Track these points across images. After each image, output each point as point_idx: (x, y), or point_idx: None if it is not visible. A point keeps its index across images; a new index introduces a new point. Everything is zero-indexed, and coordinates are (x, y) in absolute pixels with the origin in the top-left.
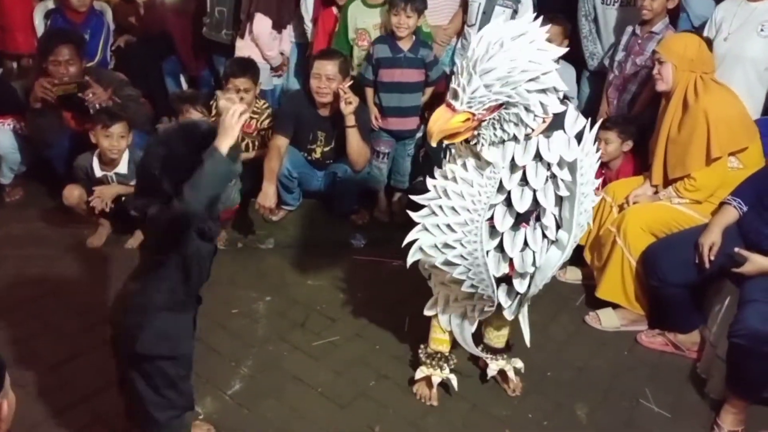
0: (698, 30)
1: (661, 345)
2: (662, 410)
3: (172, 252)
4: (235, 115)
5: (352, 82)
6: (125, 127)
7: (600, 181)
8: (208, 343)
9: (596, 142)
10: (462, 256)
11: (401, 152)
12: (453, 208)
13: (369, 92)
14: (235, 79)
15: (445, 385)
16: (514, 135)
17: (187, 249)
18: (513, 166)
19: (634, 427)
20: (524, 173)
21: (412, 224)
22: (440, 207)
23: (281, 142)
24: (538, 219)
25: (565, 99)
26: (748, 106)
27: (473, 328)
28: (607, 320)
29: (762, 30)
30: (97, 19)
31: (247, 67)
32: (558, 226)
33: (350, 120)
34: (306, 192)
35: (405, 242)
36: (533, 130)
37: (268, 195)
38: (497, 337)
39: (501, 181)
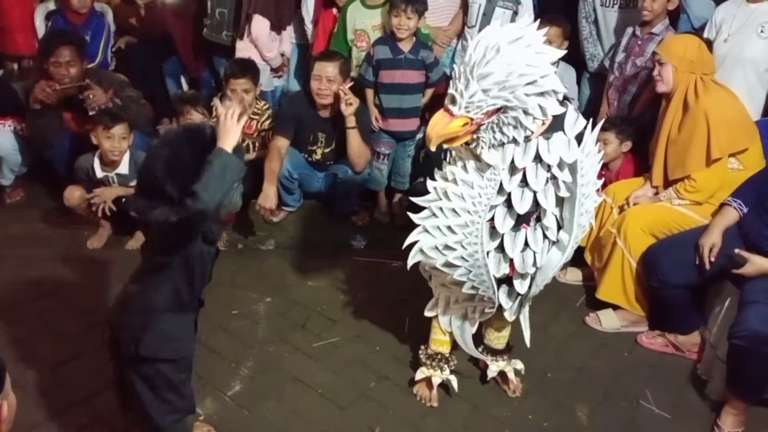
0: (698, 31)
1: (661, 346)
2: (662, 411)
3: (176, 254)
4: (234, 116)
5: (352, 83)
6: (126, 128)
7: (602, 181)
8: (208, 344)
9: (596, 143)
10: (462, 257)
11: (401, 153)
12: (453, 210)
13: (369, 93)
14: (235, 80)
15: (445, 386)
16: (514, 137)
17: (190, 251)
18: (513, 168)
19: (634, 428)
20: (524, 175)
21: (413, 225)
22: (441, 209)
23: (282, 143)
24: (538, 220)
25: (565, 100)
26: (748, 107)
27: (474, 330)
28: (607, 321)
29: (762, 31)
30: (98, 21)
31: (247, 68)
32: (559, 227)
33: (351, 121)
34: (306, 193)
35: (405, 244)
36: (533, 132)
37: (268, 196)
38: (497, 339)
39: (501, 183)
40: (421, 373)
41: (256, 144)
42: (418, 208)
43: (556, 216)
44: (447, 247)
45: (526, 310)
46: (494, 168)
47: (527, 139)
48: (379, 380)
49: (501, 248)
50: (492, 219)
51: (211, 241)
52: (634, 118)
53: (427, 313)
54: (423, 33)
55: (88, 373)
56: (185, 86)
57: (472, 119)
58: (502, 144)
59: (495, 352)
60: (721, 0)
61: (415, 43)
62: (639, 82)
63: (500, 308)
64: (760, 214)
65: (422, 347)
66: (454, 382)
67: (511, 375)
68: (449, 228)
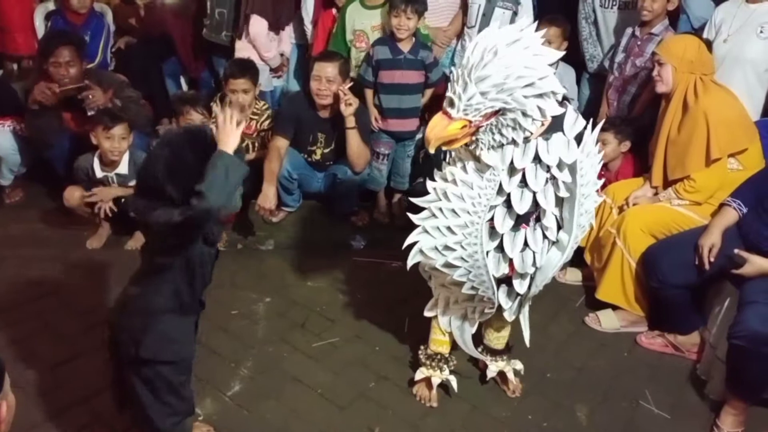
0: (698, 31)
1: (660, 346)
2: (662, 411)
3: (177, 255)
4: (233, 121)
5: (352, 83)
6: (126, 128)
7: (602, 181)
8: (208, 345)
9: (596, 144)
10: (462, 258)
11: (401, 153)
12: (453, 211)
13: (369, 94)
14: (235, 80)
15: (444, 386)
16: (513, 138)
17: (191, 252)
18: (512, 169)
19: (633, 428)
20: (524, 175)
21: (413, 226)
22: (440, 209)
23: (281, 143)
24: (538, 220)
25: (564, 100)
26: (747, 107)
27: (473, 330)
28: (606, 321)
29: (761, 32)
30: (98, 21)
31: (247, 68)
32: (559, 227)
33: (350, 121)
34: (306, 193)
35: (405, 244)
36: (532, 133)
37: (268, 196)
38: (497, 339)
39: (501, 184)
40: (420, 374)
41: (256, 144)
42: (417, 209)
43: (555, 216)
44: (447, 247)
45: (525, 310)
46: (494, 169)
47: (526, 140)
48: (379, 380)
49: (500, 248)
50: (491, 219)
51: (212, 243)
52: (633, 118)
53: (427, 314)
54: (422, 33)
55: (88, 373)
56: (185, 86)
57: (470, 122)
58: (501, 145)
59: (494, 353)
60: (721, 0)
61: (414, 44)
62: (638, 82)
63: (500, 308)
64: (760, 214)
65: (422, 347)
66: (454, 382)
67: (510, 375)
68: (449, 228)
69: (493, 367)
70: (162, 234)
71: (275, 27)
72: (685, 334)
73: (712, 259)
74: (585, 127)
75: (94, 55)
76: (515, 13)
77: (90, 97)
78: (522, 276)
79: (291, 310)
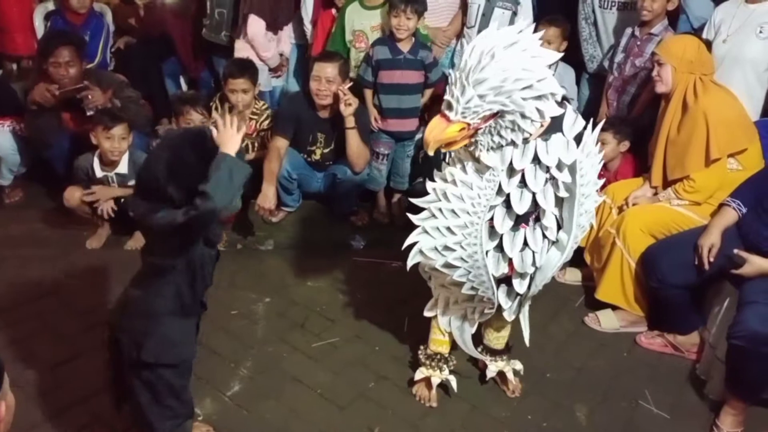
0: (697, 32)
1: (660, 346)
2: (661, 411)
3: (179, 256)
4: (234, 125)
5: (351, 83)
6: (126, 128)
7: (603, 181)
8: (207, 345)
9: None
10: (462, 258)
11: (401, 153)
12: (453, 211)
13: (368, 94)
14: (234, 80)
15: (444, 386)
16: (512, 140)
17: (192, 253)
18: (511, 170)
19: (633, 428)
20: (523, 176)
21: (412, 226)
22: (440, 210)
23: (281, 143)
24: (537, 220)
25: (564, 101)
26: (747, 107)
27: (473, 330)
28: (606, 321)
29: (761, 32)
30: (97, 21)
31: (246, 68)
32: (559, 227)
33: (350, 121)
34: (305, 193)
35: (405, 245)
36: (531, 134)
37: (267, 196)
38: (497, 339)
39: (500, 184)
40: (420, 373)
41: (255, 144)
42: (417, 209)
43: (555, 216)
44: (446, 248)
45: (525, 309)
46: (493, 169)
47: (525, 141)
48: (379, 380)
49: (500, 248)
50: (491, 219)
51: (212, 244)
52: (633, 118)
53: (427, 314)
54: (422, 33)
55: (88, 373)
56: (184, 86)
57: (468, 124)
58: (501, 146)
59: (494, 353)
60: (720, 0)
61: (414, 44)
62: (638, 82)
63: (500, 308)
64: (759, 214)
65: (421, 347)
66: (454, 382)
67: (510, 375)
68: (448, 229)
69: (493, 367)
70: (164, 235)
71: (273, 27)
72: (684, 334)
73: (711, 259)
74: (585, 127)
75: (94, 55)
76: (515, 14)
77: (89, 97)
78: (522, 276)
79: (291, 310)
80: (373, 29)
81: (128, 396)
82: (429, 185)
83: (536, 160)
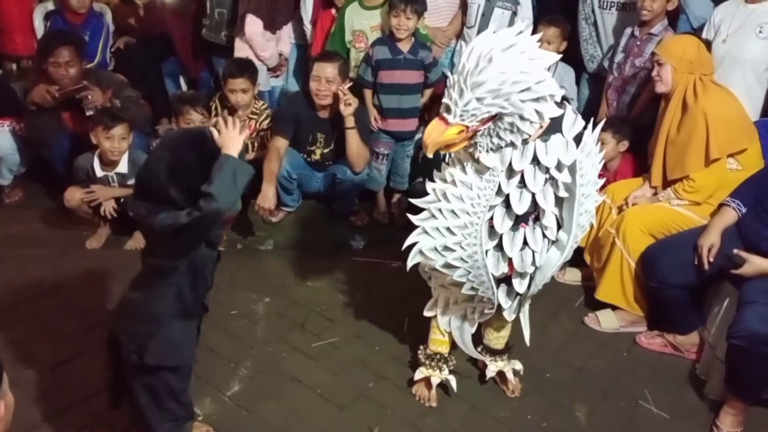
0: (697, 31)
1: (660, 346)
2: (661, 411)
3: (181, 258)
4: (236, 127)
5: (351, 83)
6: (126, 128)
7: (603, 181)
8: (207, 344)
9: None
10: (462, 258)
11: (400, 153)
12: (452, 211)
13: (368, 94)
14: (233, 80)
15: (444, 386)
16: (511, 141)
17: (194, 255)
18: (510, 171)
19: (633, 428)
20: (523, 176)
21: (412, 226)
22: (440, 210)
23: (281, 143)
24: (537, 219)
25: (564, 101)
26: (747, 107)
27: (473, 330)
28: (606, 321)
29: (760, 32)
30: (97, 21)
31: (245, 68)
32: (559, 226)
33: (350, 121)
34: (305, 193)
35: (405, 245)
36: (530, 135)
37: (267, 196)
38: (497, 339)
39: (500, 185)
40: (420, 373)
41: (255, 144)
42: (417, 210)
43: (556, 215)
44: (446, 248)
45: (526, 308)
46: (493, 169)
47: (524, 142)
48: (378, 380)
49: (500, 247)
50: (491, 219)
51: (213, 245)
52: (633, 118)
53: (426, 313)
54: (421, 33)
55: (88, 373)
56: (184, 86)
57: (467, 127)
58: (500, 148)
59: (494, 352)
60: (720, 0)
61: (414, 44)
62: (638, 82)
63: (499, 308)
64: (759, 214)
65: (421, 347)
66: (453, 382)
67: (509, 375)
68: (448, 229)
69: (493, 367)
70: (165, 237)
71: (271, 27)
72: (684, 334)
73: (711, 259)
74: (584, 127)
75: (94, 55)
76: (515, 14)
77: (89, 97)
78: (521, 275)
79: (290, 310)
80: (372, 29)
81: (127, 396)
82: (429, 186)
83: (535, 160)
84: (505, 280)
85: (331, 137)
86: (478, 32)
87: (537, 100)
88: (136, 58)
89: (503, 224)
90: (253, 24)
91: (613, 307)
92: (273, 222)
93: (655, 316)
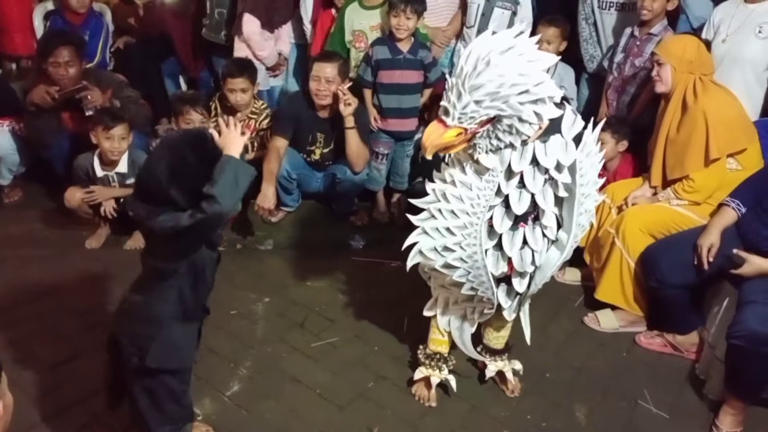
0: (697, 31)
1: (659, 346)
2: (661, 411)
3: (182, 260)
4: (237, 128)
5: (351, 83)
6: (126, 128)
7: (603, 180)
8: (207, 344)
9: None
10: (462, 258)
11: (400, 153)
12: (452, 212)
13: (368, 93)
14: (233, 80)
15: (443, 385)
16: (510, 142)
17: (195, 256)
18: (510, 171)
19: (632, 428)
20: (522, 177)
21: (412, 225)
22: (439, 210)
23: (280, 143)
24: (536, 219)
25: (564, 101)
26: (746, 107)
27: (473, 330)
28: (605, 321)
29: (760, 32)
30: (97, 21)
31: (245, 68)
32: (559, 226)
33: (349, 121)
34: (305, 193)
35: (405, 246)
36: (529, 136)
37: (267, 196)
38: (496, 339)
39: (499, 185)
40: (419, 373)
41: (255, 144)
42: (416, 210)
43: (556, 214)
44: (446, 248)
45: (526, 308)
46: (492, 170)
47: (524, 143)
48: (378, 380)
49: (499, 246)
50: (490, 218)
51: (214, 246)
52: (633, 118)
53: (426, 313)
54: (421, 33)
55: (88, 373)
56: (184, 86)
57: (466, 129)
58: (499, 149)
59: (493, 352)
60: (720, 0)
61: (413, 43)
62: (638, 82)
63: (499, 308)
64: (759, 214)
65: (421, 347)
66: (453, 381)
67: (509, 375)
68: (448, 230)
69: (492, 367)
70: (166, 238)
71: (268, 26)
72: (684, 334)
73: (711, 259)
74: (584, 127)
75: (93, 55)
76: (514, 13)
77: (89, 97)
78: (521, 274)
79: (290, 309)
80: (372, 29)
81: (126, 398)
82: (428, 186)
83: (535, 161)
84: (505, 279)
85: (330, 137)
86: (478, 32)
87: (536, 102)
88: (135, 58)
89: (502, 224)
90: (250, 23)
91: (613, 307)
92: (273, 222)
93: (655, 316)
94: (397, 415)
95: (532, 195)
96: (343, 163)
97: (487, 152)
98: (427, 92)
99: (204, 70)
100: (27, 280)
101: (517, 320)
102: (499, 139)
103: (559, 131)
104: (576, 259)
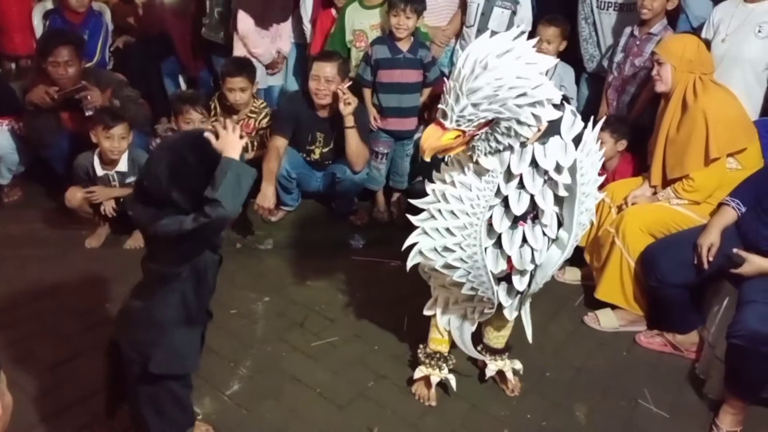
0: (697, 31)
1: (659, 345)
2: (661, 410)
3: (185, 263)
4: (236, 131)
5: (351, 83)
6: (126, 128)
7: (603, 178)
8: (207, 344)
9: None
10: (462, 259)
11: (400, 152)
12: (452, 212)
13: (367, 93)
14: (232, 79)
15: (443, 385)
16: (509, 144)
17: (198, 259)
18: (509, 173)
19: (632, 428)
20: (521, 178)
21: (412, 225)
22: (439, 211)
23: (280, 143)
24: (535, 218)
25: (564, 100)
26: (746, 106)
27: (473, 329)
28: (605, 321)
29: (759, 31)
30: (96, 20)
31: (243, 67)
32: (560, 224)
33: (349, 121)
34: (305, 193)
35: (404, 246)
36: (528, 138)
37: (266, 196)
38: (497, 338)
39: (499, 186)
40: (419, 372)
41: (255, 143)
42: (416, 210)
43: (557, 213)
44: (446, 248)
45: (527, 306)
46: (492, 171)
47: (523, 145)
48: (378, 379)
49: (499, 244)
50: (489, 217)
51: (216, 248)
52: (633, 118)
53: (426, 312)
54: (422, 32)
55: (88, 373)
56: (183, 86)
57: (464, 131)
58: (498, 151)
59: (494, 352)
60: (720, 0)
61: (413, 43)
62: (638, 82)
63: (500, 307)
64: (758, 213)
65: (421, 346)
66: (453, 381)
67: (509, 374)
68: (448, 230)
69: (492, 366)
70: (169, 242)
71: (261, 23)
72: (684, 334)
73: (710, 259)
74: (584, 127)
75: (93, 54)
76: (514, 13)
77: (88, 98)
78: (521, 273)
79: (290, 309)
80: (372, 28)
81: (126, 403)
82: (428, 187)
83: (534, 163)
84: (506, 278)
85: (330, 136)
86: (478, 32)
87: (534, 104)
88: (135, 58)
89: (502, 224)
90: (244, 20)
91: (613, 307)
92: (272, 221)
93: (655, 315)
94: (397, 415)
95: (532, 195)
96: (343, 163)
97: (486, 155)
98: (427, 91)
99: (203, 69)
100: (27, 280)
101: (518, 320)
102: (497, 141)
103: (558, 133)
104: (576, 259)
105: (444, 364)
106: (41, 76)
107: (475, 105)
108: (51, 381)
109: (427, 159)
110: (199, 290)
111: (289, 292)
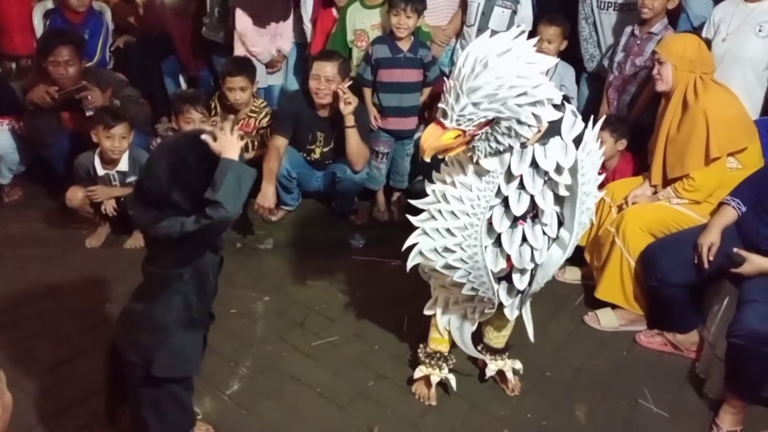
0: (698, 30)
1: (659, 345)
2: (661, 410)
3: (188, 265)
4: (235, 132)
5: (351, 82)
6: (127, 127)
7: (603, 177)
8: (207, 344)
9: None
10: (462, 259)
11: (400, 152)
12: (452, 213)
13: (367, 92)
14: (232, 78)
15: (443, 384)
16: (509, 145)
17: (200, 262)
18: (509, 174)
19: (632, 427)
20: (522, 178)
21: (412, 225)
22: (439, 211)
23: (280, 142)
24: (535, 217)
25: (564, 100)
26: (746, 106)
27: (473, 329)
28: (606, 320)
29: (760, 30)
30: (96, 19)
31: (243, 66)
32: (560, 223)
33: (349, 120)
34: (305, 192)
35: (405, 246)
36: (528, 139)
37: (267, 195)
38: (497, 338)
39: (499, 186)
40: (419, 372)
41: (255, 142)
42: (417, 211)
43: (557, 213)
44: (446, 249)
45: (527, 306)
46: (492, 171)
47: (523, 145)
48: (378, 379)
49: (498, 243)
50: (489, 217)
51: (217, 249)
52: (633, 117)
53: (427, 312)
54: (423, 31)
55: (88, 373)
56: (184, 85)
57: (464, 131)
58: (498, 152)
59: (494, 351)
60: None
61: (413, 42)
62: (638, 81)
63: (500, 307)
64: (759, 213)
65: (421, 346)
66: (453, 380)
67: (509, 374)
68: (448, 230)
69: (493, 366)
70: (170, 244)
71: (259, 22)
72: (684, 333)
73: (711, 258)
74: (585, 127)
75: (93, 54)
76: (514, 12)
77: (88, 98)
78: (521, 271)
79: (290, 309)
80: (373, 28)
81: (125, 407)
82: (428, 187)
83: (534, 164)
84: (506, 277)
85: (330, 136)
86: (478, 31)
87: (534, 104)
88: (135, 57)
89: (502, 224)
90: (241, 18)
91: (613, 306)
92: (273, 221)
93: (655, 314)
94: (397, 414)
95: (532, 196)
96: (343, 162)
97: (486, 155)
98: (427, 91)
99: (204, 68)
100: (27, 280)
101: (518, 320)
102: (498, 141)
103: (559, 133)
104: (576, 258)
105: (444, 364)
106: (41, 75)
107: (475, 104)
108: (51, 381)
109: (427, 159)
110: (201, 292)
111: (289, 292)
